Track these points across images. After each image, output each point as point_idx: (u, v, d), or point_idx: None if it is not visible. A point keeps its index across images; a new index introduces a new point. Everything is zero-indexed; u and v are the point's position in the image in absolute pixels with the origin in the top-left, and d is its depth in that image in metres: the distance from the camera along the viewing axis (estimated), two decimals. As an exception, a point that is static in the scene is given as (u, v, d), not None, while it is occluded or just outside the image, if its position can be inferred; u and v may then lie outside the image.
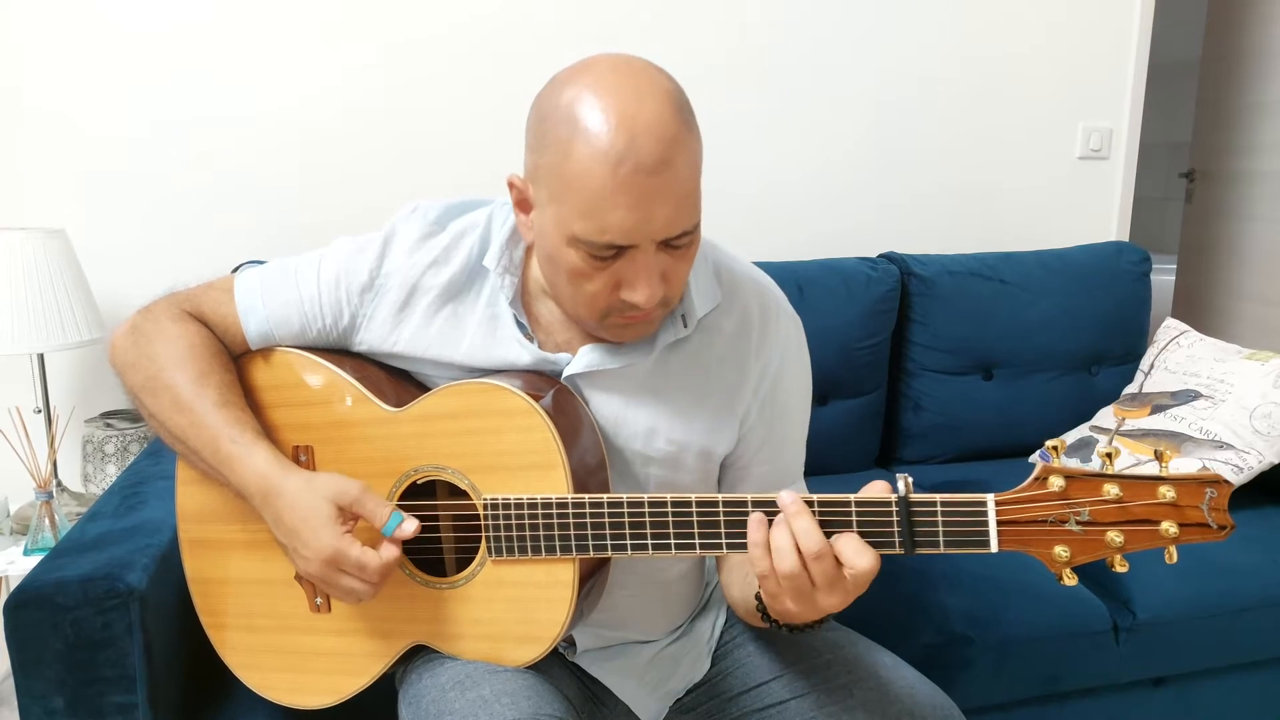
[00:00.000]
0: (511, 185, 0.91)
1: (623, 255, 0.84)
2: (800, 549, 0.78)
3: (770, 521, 0.80)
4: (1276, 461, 1.69)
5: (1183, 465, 1.68)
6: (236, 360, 1.02)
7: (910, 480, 0.79)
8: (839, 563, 0.78)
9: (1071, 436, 1.92)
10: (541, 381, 0.95)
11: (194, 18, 1.84)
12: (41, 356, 1.74)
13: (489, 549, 0.92)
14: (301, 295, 0.99)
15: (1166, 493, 0.75)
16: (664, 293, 0.87)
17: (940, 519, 0.78)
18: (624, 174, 0.79)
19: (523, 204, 0.90)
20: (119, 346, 0.99)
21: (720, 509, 0.84)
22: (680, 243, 0.85)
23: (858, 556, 0.77)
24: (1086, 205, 2.41)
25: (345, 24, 1.91)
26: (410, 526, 0.89)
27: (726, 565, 1.03)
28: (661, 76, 0.84)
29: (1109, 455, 0.77)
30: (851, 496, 0.80)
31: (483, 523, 0.91)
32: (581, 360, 0.96)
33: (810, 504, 0.80)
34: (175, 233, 1.90)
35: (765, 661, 1.05)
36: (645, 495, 0.86)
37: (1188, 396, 1.81)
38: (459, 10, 1.96)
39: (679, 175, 0.81)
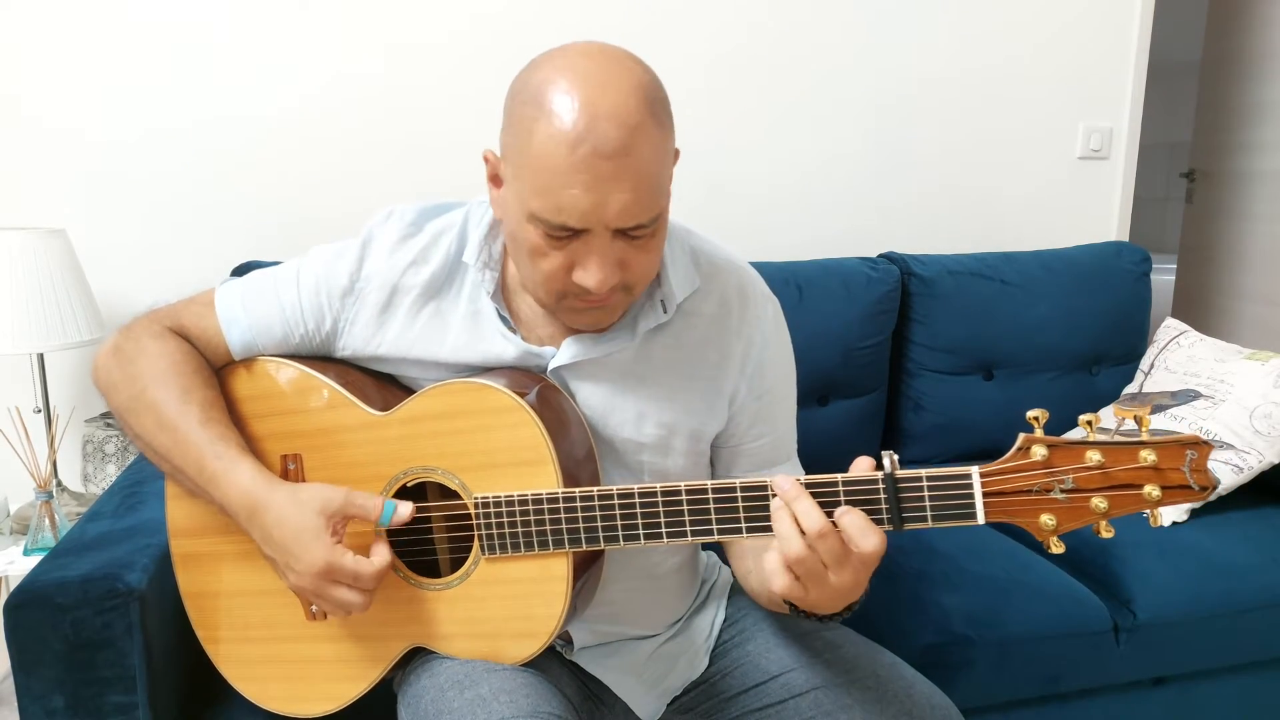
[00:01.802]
0: (486, 160, 0.93)
1: (578, 237, 0.84)
2: (803, 530, 0.78)
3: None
4: (1276, 461, 1.69)
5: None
6: (219, 372, 1.02)
7: (896, 457, 0.80)
8: (844, 539, 0.78)
9: (1071, 437, 1.91)
10: (526, 378, 0.95)
11: (194, 18, 1.84)
12: (41, 356, 1.74)
13: (482, 547, 0.92)
14: (282, 303, 1.00)
15: (1148, 456, 0.76)
16: (620, 279, 0.87)
17: (927, 494, 0.79)
18: (581, 155, 0.80)
19: (495, 179, 0.92)
20: (102, 367, 1.00)
21: (710, 496, 0.85)
22: (638, 234, 0.85)
23: (863, 537, 0.77)
24: (1087, 205, 2.41)
25: (345, 25, 1.91)
26: (405, 510, 0.89)
27: (738, 553, 1.04)
28: (636, 67, 0.84)
29: (1090, 423, 0.78)
30: (839, 476, 0.81)
31: (474, 521, 0.92)
32: (566, 352, 0.97)
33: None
34: (175, 232, 1.90)
35: (764, 661, 1.05)
36: (635, 486, 0.87)
37: (1188, 396, 1.81)
38: (460, 12, 1.96)
39: (638, 163, 0.81)
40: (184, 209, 1.90)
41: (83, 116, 1.83)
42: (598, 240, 0.84)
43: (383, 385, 1.01)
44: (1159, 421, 1.80)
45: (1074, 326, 2.02)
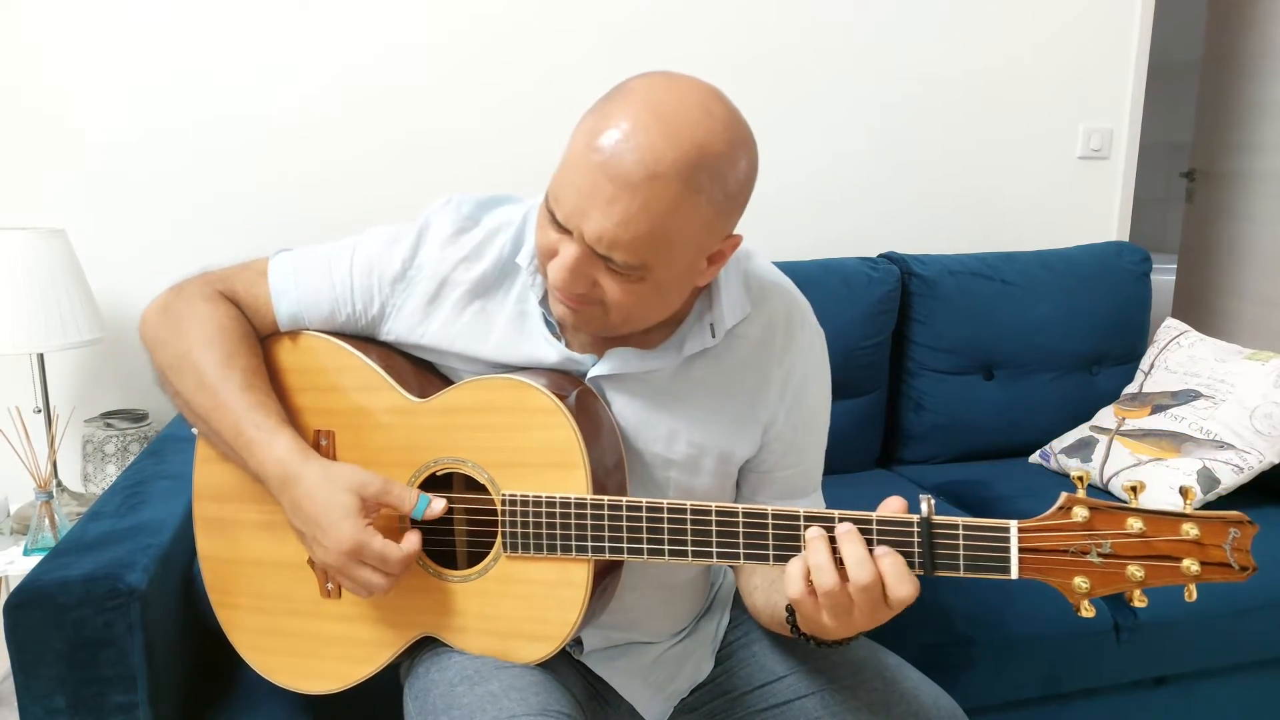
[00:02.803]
0: None
1: (564, 232, 0.84)
2: (849, 577, 0.78)
3: (832, 540, 0.80)
4: (1277, 461, 1.69)
5: (1183, 465, 1.68)
6: (264, 341, 1.02)
7: (933, 502, 0.79)
8: (884, 590, 0.78)
9: (1071, 436, 1.92)
10: (566, 381, 0.95)
11: (195, 18, 1.84)
12: (41, 356, 1.74)
13: (504, 544, 0.92)
14: (334, 281, 1.00)
15: (1190, 530, 0.75)
16: (592, 296, 0.86)
17: (962, 543, 0.78)
18: (592, 160, 0.80)
19: None
20: (150, 323, 1.00)
21: (739, 520, 0.84)
22: (613, 266, 0.83)
23: (899, 583, 0.77)
24: (1087, 205, 2.41)
25: (345, 25, 1.91)
26: (439, 505, 0.90)
27: (745, 572, 1.03)
28: (713, 130, 0.81)
29: (1134, 489, 0.77)
30: (873, 515, 0.80)
31: (500, 518, 0.91)
32: (607, 363, 0.96)
33: (831, 520, 0.81)
34: (175, 232, 1.90)
35: (770, 662, 1.05)
36: (665, 501, 0.86)
37: (1188, 396, 1.81)
38: (459, 12, 1.96)
39: (638, 205, 0.79)
40: (184, 209, 1.90)
41: (83, 117, 1.83)
42: (574, 244, 0.83)
43: (422, 373, 1.02)
44: (1159, 421, 1.80)
45: (1074, 326, 2.02)
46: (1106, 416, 1.92)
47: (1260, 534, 1.68)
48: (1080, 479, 0.77)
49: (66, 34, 1.80)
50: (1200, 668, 1.57)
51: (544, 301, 0.97)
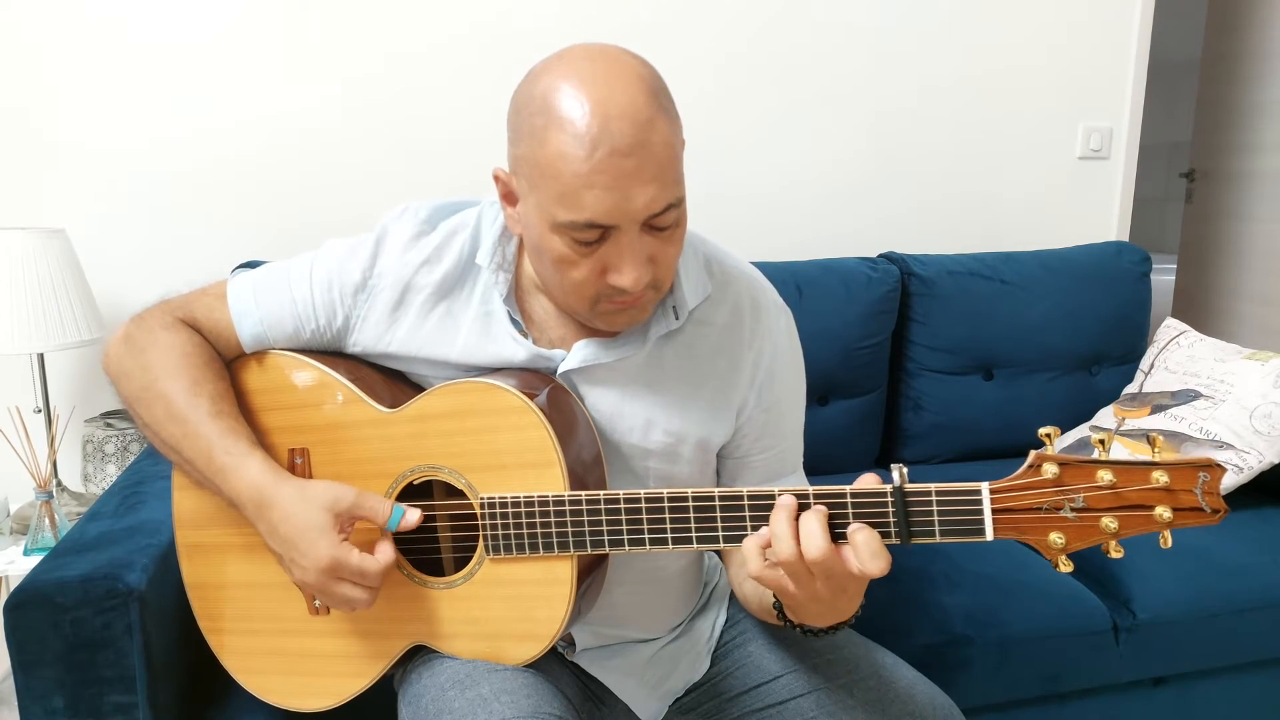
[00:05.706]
0: (497, 179, 0.91)
1: (607, 239, 0.84)
2: (804, 555, 0.78)
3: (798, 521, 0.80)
4: (1276, 461, 1.69)
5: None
6: (230, 364, 1.02)
7: (905, 470, 0.79)
8: (844, 566, 0.78)
9: (1071, 437, 1.92)
10: (536, 380, 0.95)
11: (197, 24, 1.84)
12: (41, 356, 1.74)
13: (486, 548, 0.92)
14: (295, 297, 0.99)
15: (1160, 478, 0.75)
16: (652, 276, 0.87)
17: (935, 508, 0.78)
18: (600, 157, 0.80)
19: (508, 197, 0.91)
20: (112, 356, 0.99)
21: (716, 503, 0.85)
22: (664, 222, 0.84)
23: (872, 559, 0.77)
24: (1087, 205, 2.41)
25: (346, 33, 1.91)
26: (414, 516, 0.90)
27: (734, 560, 1.03)
28: (635, 61, 0.84)
29: (1102, 442, 0.77)
30: (847, 489, 0.80)
31: (480, 522, 0.91)
32: (576, 356, 0.96)
33: (805, 497, 0.80)
34: (176, 233, 1.90)
35: (765, 662, 1.05)
36: (642, 491, 0.86)
37: (1188, 396, 1.81)
38: (460, 19, 1.96)
39: (654, 155, 0.81)
40: (185, 210, 1.90)
41: (84, 118, 1.83)
42: (626, 237, 0.84)
43: (392, 382, 1.01)
44: (1159, 421, 1.80)
45: (1074, 326, 2.02)
46: (1106, 416, 1.92)
47: (1260, 534, 1.68)
48: (1048, 436, 0.77)
49: (68, 37, 1.80)
50: (1199, 668, 1.57)
51: (508, 299, 0.97)
